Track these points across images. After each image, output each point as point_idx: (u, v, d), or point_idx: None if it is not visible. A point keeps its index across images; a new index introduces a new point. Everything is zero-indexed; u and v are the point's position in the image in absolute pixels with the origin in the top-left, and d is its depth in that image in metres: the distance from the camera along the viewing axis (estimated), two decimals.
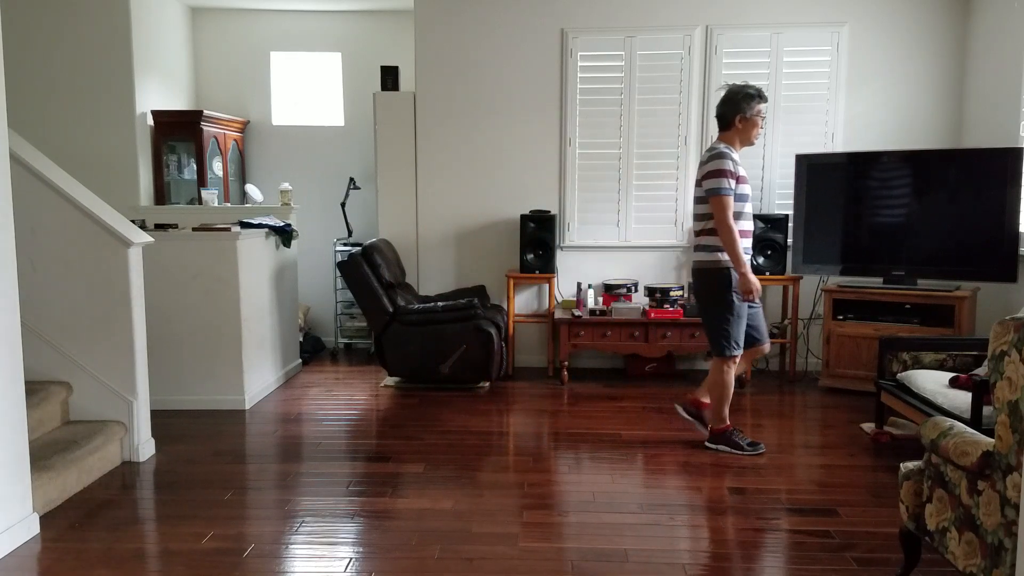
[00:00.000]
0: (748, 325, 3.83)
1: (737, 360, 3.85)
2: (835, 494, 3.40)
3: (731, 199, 3.65)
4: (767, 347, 4.02)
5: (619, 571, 2.71)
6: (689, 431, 4.27)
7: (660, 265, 5.71)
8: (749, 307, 3.81)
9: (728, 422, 3.93)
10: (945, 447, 2.30)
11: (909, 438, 4.05)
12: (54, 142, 5.43)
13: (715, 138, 3.91)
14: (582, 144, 5.64)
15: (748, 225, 3.78)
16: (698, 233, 3.86)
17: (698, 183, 3.79)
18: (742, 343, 3.82)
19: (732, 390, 3.91)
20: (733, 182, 3.66)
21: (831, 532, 3.02)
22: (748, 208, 3.76)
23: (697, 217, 3.85)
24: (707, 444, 3.95)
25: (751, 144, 3.83)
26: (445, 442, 4.10)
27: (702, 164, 3.78)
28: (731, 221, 3.64)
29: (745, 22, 5.46)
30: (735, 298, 3.73)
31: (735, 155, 3.73)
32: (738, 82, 3.86)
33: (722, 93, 3.84)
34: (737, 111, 3.74)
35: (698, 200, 3.82)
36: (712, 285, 3.79)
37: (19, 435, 2.97)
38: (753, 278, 3.70)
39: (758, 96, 3.76)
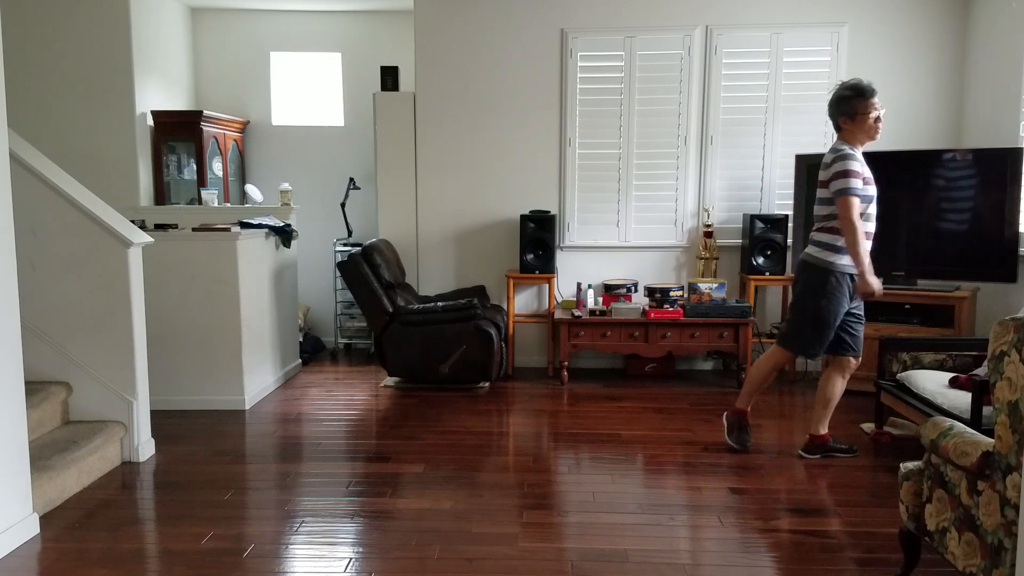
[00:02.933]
0: (845, 332, 3.72)
1: (789, 360, 3.99)
2: (835, 494, 3.40)
3: (857, 200, 3.53)
4: (855, 361, 3.80)
5: (619, 571, 2.71)
6: (688, 431, 4.28)
7: (660, 265, 5.71)
8: (850, 314, 3.70)
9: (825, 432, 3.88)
10: (945, 447, 2.30)
11: (909, 438, 4.05)
12: (54, 142, 5.44)
13: (835, 138, 3.76)
14: (582, 144, 5.64)
15: (872, 227, 3.62)
16: (816, 231, 3.73)
17: (823, 184, 3.65)
18: (818, 351, 3.77)
19: (768, 384, 4.05)
20: (860, 182, 3.54)
21: (831, 532, 3.02)
22: (872, 209, 3.61)
23: (818, 218, 3.72)
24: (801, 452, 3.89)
25: (873, 139, 3.65)
26: (445, 442, 4.10)
27: (826, 165, 3.63)
28: (857, 220, 3.52)
29: (745, 22, 5.46)
30: (828, 304, 3.64)
31: (858, 154, 3.61)
32: (846, 79, 3.74)
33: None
34: (839, 114, 3.65)
35: (822, 201, 3.68)
36: (814, 282, 3.67)
37: (19, 435, 2.97)
38: (873, 280, 3.55)
39: (856, 94, 3.61)
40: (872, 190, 3.61)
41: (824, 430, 3.86)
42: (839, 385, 3.83)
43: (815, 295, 3.66)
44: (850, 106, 3.61)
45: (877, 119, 3.61)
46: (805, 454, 3.86)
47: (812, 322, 3.70)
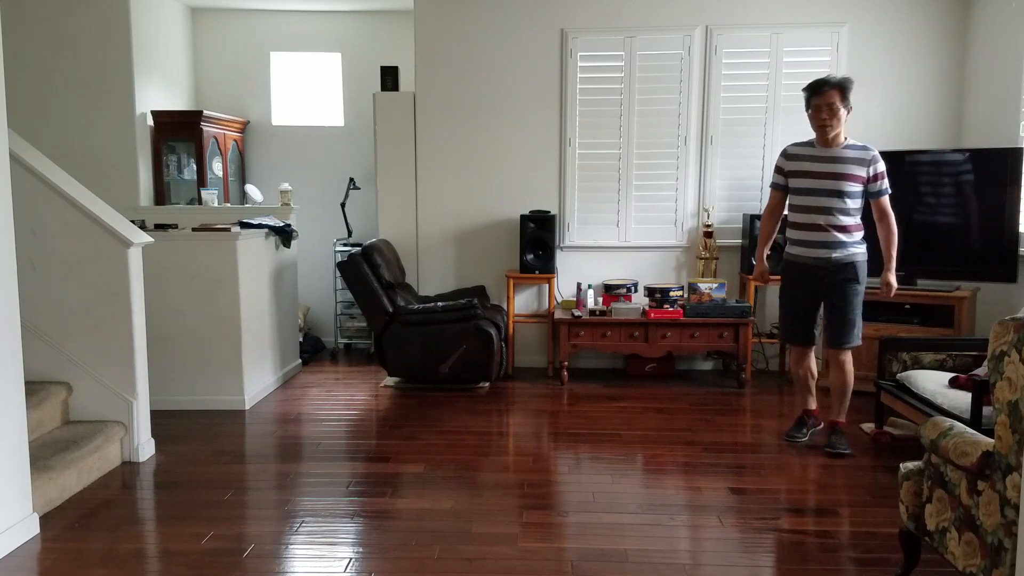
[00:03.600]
0: (824, 320, 3.92)
1: (790, 350, 4.20)
2: (835, 494, 3.40)
3: (773, 192, 4.06)
4: (834, 352, 3.90)
5: (619, 571, 2.71)
6: (688, 431, 4.28)
7: (660, 265, 5.71)
8: (831, 304, 3.86)
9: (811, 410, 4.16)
10: (945, 447, 2.30)
11: (909, 438, 4.05)
12: (54, 142, 5.43)
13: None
14: (582, 144, 5.63)
15: (801, 218, 3.88)
16: None
17: None
18: (788, 336, 4.11)
19: (797, 378, 4.15)
20: (780, 177, 3.99)
21: (831, 532, 3.02)
22: (810, 201, 3.85)
23: None
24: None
25: (825, 135, 3.85)
26: (445, 442, 4.10)
27: None
28: (765, 213, 4.14)
29: (745, 22, 5.46)
30: (782, 290, 4.12)
31: (803, 149, 3.92)
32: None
33: None
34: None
35: None
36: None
37: (19, 435, 2.97)
38: (761, 267, 4.17)
39: (805, 94, 3.89)
40: (802, 183, 3.87)
41: (841, 417, 3.97)
42: (832, 375, 3.96)
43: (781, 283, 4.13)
44: (806, 105, 3.93)
45: (815, 113, 3.82)
46: (831, 450, 3.90)
47: (781, 307, 4.20)
